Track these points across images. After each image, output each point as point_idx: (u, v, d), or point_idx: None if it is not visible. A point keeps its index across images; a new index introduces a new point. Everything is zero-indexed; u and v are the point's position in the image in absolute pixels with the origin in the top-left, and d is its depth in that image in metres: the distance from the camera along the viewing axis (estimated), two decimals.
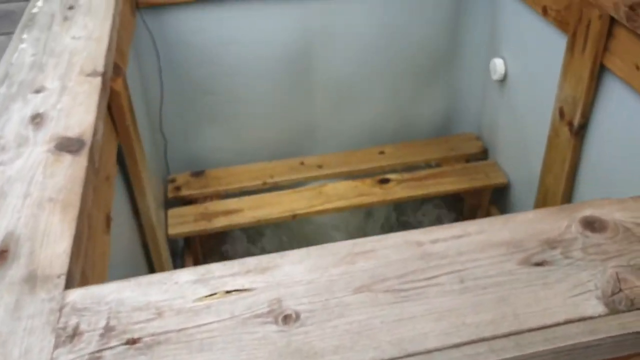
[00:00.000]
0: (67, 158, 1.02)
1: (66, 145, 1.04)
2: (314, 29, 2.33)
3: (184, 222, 2.29)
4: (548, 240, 0.83)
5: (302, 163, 2.55)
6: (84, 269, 0.90)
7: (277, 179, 2.48)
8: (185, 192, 2.43)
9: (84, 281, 0.90)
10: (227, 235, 2.56)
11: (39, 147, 1.04)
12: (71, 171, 0.99)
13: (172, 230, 2.26)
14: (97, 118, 1.12)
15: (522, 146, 2.32)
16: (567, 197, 2.05)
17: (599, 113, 1.84)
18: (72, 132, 1.07)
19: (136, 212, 1.72)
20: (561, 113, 1.96)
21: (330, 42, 2.37)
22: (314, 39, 2.35)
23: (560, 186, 2.03)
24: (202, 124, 2.47)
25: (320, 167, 2.53)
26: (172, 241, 2.30)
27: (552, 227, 0.85)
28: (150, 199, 1.76)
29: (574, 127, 1.90)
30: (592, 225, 0.86)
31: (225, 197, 2.45)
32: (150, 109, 2.35)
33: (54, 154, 1.02)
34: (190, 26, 2.23)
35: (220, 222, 2.28)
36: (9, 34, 2.28)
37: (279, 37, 2.32)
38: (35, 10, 1.52)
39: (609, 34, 1.70)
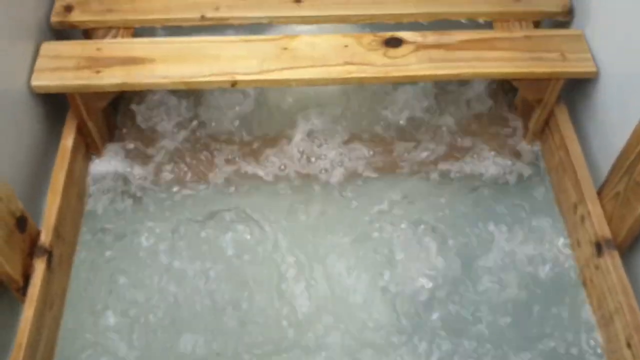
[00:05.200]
0: None
1: None
2: None
3: (58, 68, 1.43)
4: None
5: None
6: None
7: (223, 12, 1.55)
8: (77, 18, 1.53)
9: None
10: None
11: None
12: None
13: (37, 81, 1.41)
14: None
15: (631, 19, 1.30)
16: None
17: None
18: None
19: None
20: None
21: None
22: None
23: None
24: None
25: (298, 0, 1.57)
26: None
27: None
28: None
29: None
30: None
31: (138, 32, 1.56)
32: None
33: None
34: None
35: (112, 77, 1.41)
36: None
37: None
38: None
39: None
